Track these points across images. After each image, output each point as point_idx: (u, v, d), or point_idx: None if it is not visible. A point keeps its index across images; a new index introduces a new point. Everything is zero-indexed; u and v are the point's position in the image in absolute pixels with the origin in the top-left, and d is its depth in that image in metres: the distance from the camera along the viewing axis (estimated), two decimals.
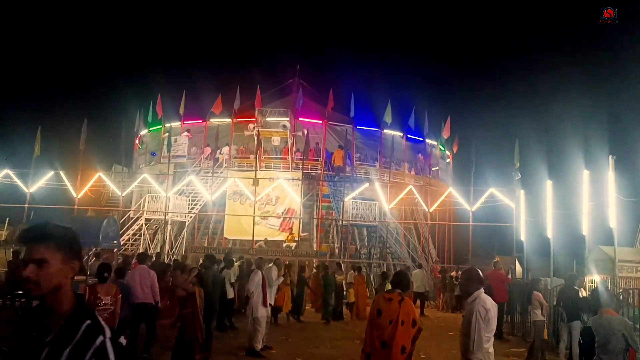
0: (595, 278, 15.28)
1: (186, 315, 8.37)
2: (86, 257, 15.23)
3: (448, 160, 31.63)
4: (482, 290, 4.97)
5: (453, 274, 20.34)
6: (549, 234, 15.77)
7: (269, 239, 23.25)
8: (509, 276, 17.62)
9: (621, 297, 10.46)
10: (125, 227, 23.12)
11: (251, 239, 21.96)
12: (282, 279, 12.92)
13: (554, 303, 11.21)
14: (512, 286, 14.34)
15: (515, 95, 67.38)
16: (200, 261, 14.66)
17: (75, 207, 22.52)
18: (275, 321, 13.68)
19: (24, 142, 24.67)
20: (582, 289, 11.36)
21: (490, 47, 67.65)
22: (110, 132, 32.02)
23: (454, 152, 30.55)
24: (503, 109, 58.29)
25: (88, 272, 11.50)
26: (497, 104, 65.09)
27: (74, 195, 22.60)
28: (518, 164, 21.42)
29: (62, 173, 22.81)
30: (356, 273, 16.81)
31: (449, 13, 73.86)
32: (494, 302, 4.94)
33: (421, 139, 28.28)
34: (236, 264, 14.97)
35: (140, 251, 19.29)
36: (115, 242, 12.90)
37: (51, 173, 22.85)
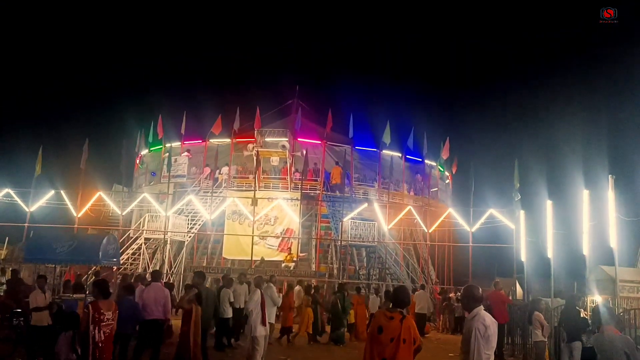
0: (596, 298, 15.20)
1: (184, 332, 8.38)
2: (86, 275, 15.18)
3: (447, 181, 31.63)
4: (481, 307, 4.98)
5: (452, 295, 20.19)
6: (550, 254, 15.74)
7: (267, 259, 23.16)
8: (510, 297, 17.50)
9: (624, 316, 10.40)
10: (125, 246, 23.07)
11: (250, 258, 21.89)
12: (280, 295, 12.87)
13: (555, 324, 11.14)
14: (513, 307, 14.25)
15: (514, 115, 67.81)
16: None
17: (76, 226, 22.50)
18: (278, 340, 13.49)
19: (25, 161, 24.74)
20: (582, 309, 11.30)
21: (489, 67, 68.19)
22: (111, 151, 32.06)
23: (453, 172, 30.56)
24: (502, 129, 58.65)
25: (88, 291, 11.44)
26: (496, 124, 65.38)
27: (74, 214, 22.61)
28: (518, 185, 21.43)
29: (62, 192, 22.85)
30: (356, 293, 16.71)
31: (448, 33, 74.82)
32: (493, 319, 4.93)
33: (420, 159, 28.30)
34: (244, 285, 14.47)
35: (139, 270, 19.19)
36: (114, 260, 12.84)
37: (52, 192, 22.89)
